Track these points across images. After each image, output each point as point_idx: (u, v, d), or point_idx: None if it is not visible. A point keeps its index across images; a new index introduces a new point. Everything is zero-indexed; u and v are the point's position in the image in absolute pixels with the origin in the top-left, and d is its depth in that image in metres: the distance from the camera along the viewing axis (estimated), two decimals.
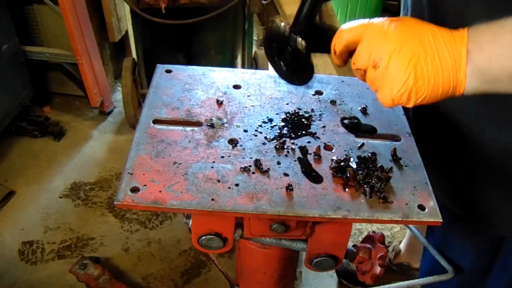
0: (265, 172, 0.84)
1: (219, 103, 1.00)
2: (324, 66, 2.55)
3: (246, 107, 1.00)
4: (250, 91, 1.05)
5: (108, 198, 2.30)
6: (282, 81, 1.08)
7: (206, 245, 0.89)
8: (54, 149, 2.58)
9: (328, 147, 0.91)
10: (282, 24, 0.81)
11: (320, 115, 1.00)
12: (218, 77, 1.09)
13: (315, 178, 0.83)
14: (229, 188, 0.80)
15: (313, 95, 1.06)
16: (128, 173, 0.81)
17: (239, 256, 1.09)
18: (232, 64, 2.53)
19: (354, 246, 1.01)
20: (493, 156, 0.93)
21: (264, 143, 0.91)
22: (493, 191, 0.98)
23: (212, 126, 0.94)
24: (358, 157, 0.88)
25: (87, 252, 2.03)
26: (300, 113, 0.99)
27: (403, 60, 0.64)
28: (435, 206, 0.80)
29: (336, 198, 0.80)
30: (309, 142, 0.92)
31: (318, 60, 2.54)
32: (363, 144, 0.92)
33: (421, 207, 0.80)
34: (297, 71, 0.82)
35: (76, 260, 1.86)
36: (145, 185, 0.79)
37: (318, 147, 0.90)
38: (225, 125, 0.95)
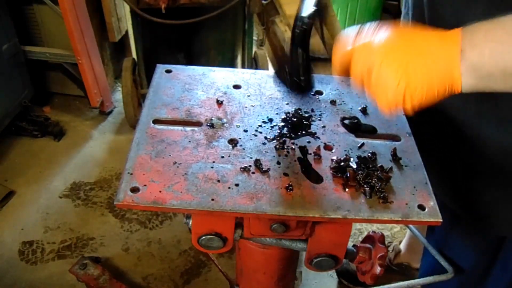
0: (265, 172, 0.84)
1: (219, 103, 1.00)
2: (324, 66, 2.55)
3: (246, 107, 1.00)
4: (250, 91, 1.05)
5: (108, 198, 2.30)
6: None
7: (206, 245, 0.89)
8: (54, 149, 2.58)
9: (328, 147, 0.91)
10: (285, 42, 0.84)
11: (320, 115, 1.00)
12: (218, 77, 1.09)
13: (315, 178, 0.83)
14: (229, 188, 0.80)
15: (313, 95, 1.06)
16: (128, 173, 0.81)
17: (239, 256, 1.09)
18: (232, 64, 2.53)
19: (354, 246, 1.01)
20: (494, 156, 0.93)
21: (264, 143, 0.91)
22: (493, 191, 0.98)
23: (212, 126, 0.94)
24: (358, 157, 0.88)
25: (87, 252, 2.03)
26: (300, 113, 0.99)
27: (392, 65, 0.65)
28: (435, 206, 0.80)
29: (336, 198, 0.80)
30: (309, 142, 0.92)
31: (318, 60, 2.54)
32: (363, 144, 0.92)
33: (421, 207, 0.80)
34: (299, 81, 0.84)
35: (76, 260, 1.86)
36: (145, 185, 0.79)
37: (318, 147, 0.90)
38: (225, 125, 0.95)
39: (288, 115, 0.98)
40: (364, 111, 1.01)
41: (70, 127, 2.74)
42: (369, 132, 0.96)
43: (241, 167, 0.84)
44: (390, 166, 0.87)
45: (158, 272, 1.97)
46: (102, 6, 2.65)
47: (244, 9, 2.37)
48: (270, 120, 0.97)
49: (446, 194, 1.05)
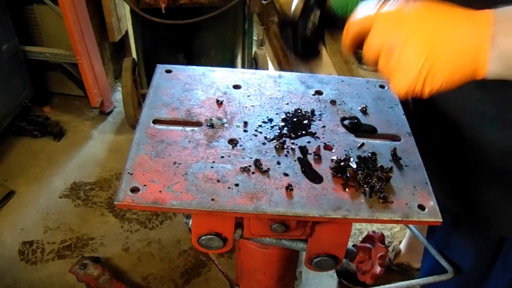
0: (265, 172, 0.84)
1: (219, 103, 1.00)
2: (324, 66, 2.55)
3: (246, 107, 1.00)
4: (250, 91, 1.05)
5: (108, 198, 2.30)
6: (282, 81, 1.09)
7: (206, 245, 0.89)
8: (54, 149, 2.58)
9: (328, 147, 0.91)
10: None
11: (320, 115, 1.00)
12: (218, 77, 1.09)
13: (315, 178, 0.83)
14: (229, 188, 0.80)
15: (313, 95, 1.06)
16: (128, 173, 0.81)
17: (239, 256, 1.09)
18: (232, 64, 2.53)
19: (354, 246, 1.01)
20: (495, 156, 0.92)
21: (264, 143, 0.91)
22: (494, 191, 0.98)
23: (212, 126, 0.94)
24: (358, 157, 0.88)
25: (87, 252, 2.03)
26: (300, 113, 0.99)
27: (417, 46, 0.61)
28: (435, 206, 0.80)
29: (336, 198, 0.80)
30: (309, 142, 0.92)
31: (318, 60, 2.54)
32: (363, 144, 0.92)
33: (421, 207, 0.80)
34: (305, 48, 0.81)
35: (76, 260, 1.86)
36: (145, 185, 0.79)
37: (318, 147, 0.90)
38: (225, 125, 0.95)
39: (288, 115, 0.98)
40: (364, 111, 1.01)
41: (70, 127, 2.74)
42: (369, 132, 0.96)
43: (241, 167, 0.84)
44: (390, 166, 0.87)
45: (158, 272, 1.97)
46: (102, 6, 2.65)
47: (244, 9, 2.37)
48: (270, 120, 0.97)
49: (447, 195, 1.05)
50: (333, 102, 1.04)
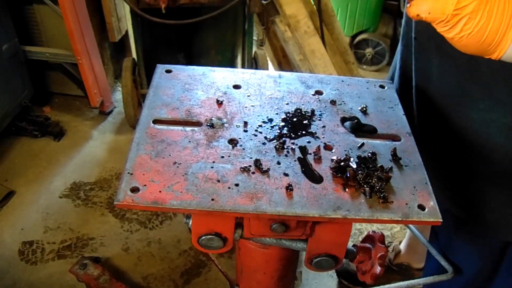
0: (265, 172, 0.84)
1: (219, 103, 1.00)
2: (324, 66, 2.56)
3: (246, 107, 1.00)
4: (250, 91, 1.05)
5: (108, 198, 2.30)
6: (282, 81, 1.09)
7: (206, 245, 0.89)
8: (54, 149, 2.58)
9: (328, 147, 0.91)
10: None
11: (320, 115, 1.00)
12: (218, 77, 1.09)
13: (315, 178, 0.83)
14: (229, 188, 0.80)
15: (313, 95, 1.06)
16: (128, 173, 0.81)
17: (239, 256, 1.09)
18: (232, 64, 2.53)
19: (354, 246, 1.01)
20: (500, 162, 0.92)
21: (264, 143, 0.91)
22: (498, 196, 0.97)
23: (212, 126, 0.94)
24: (358, 157, 0.88)
25: (87, 252, 2.03)
26: (300, 113, 0.99)
27: None
28: (435, 206, 0.80)
29: (336, 198, 0.80)
30: (309, 142, 0.92)
31: (318, 60, 2.54)
32: (363, 144, 0.92)
33: (421, 207, 0.79)
34: None
35: (76, 260, 1.86)
36: (145, 185, 0.79)
37: (318, 147, 0.90)
38: (225, 125, 0.95)
39: (288, 115, 0.98)
40: (364, 111, 1.01)
41: (70, 127, 2.74)
42: (369, 132, 0.96)
43: (241, 167, 0.84)
44: (390, 166, 0.87)
45: (158, 272, 1.97)
46: (102, 6, 2.65)
47: (244, 9, 2.37)
48: (270, 120, 0.97)
49: (451, 199, 1.04)
50: (333, 102, 1.04)
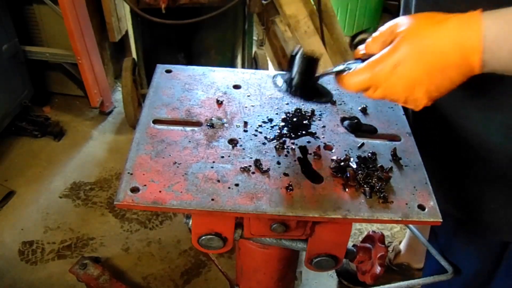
0: (265, 172, 0.84)
1: (219, 103, 1.00)
2: (324, 66, 2.55)
3: (246, 107, 1.00)
4: (250, 91, 1.05)
5: (108, 198, 2.30)
6: None
7: (206, 245, 0.89)
8: (54, 149, 2.58)
9: (328, 147, 0.91)
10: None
11: (320, 115, 1.00)
12: (218, 77, 1.09)
13: (315, 178, 0.83)
14: (229, 188, 0.80)
15: None
16: (128, 173, 0.81)
17: (239, 256, 1.09)
18: (232, 64, 2.53)
19: (354, 246, 1.01)
20: (499, 162, 0.92)
21: (264, 143, 0.91)
22: (497, 197, 0.97)
23: (212, 126, 0.94)
24: (358, 157, 0.88)
25: (87, 252, 2.03)
26: (300, 113, 0.99)
27: (418, 96, 0.69)
28: (435, 206, 0.80)
29: (336, 198, 0.80)
30: (309, 142, 0.92)
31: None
32: (363, 144, 0.92)
33: (421, 207, 0.80)
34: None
35: (76, 260, 1.86)
36: (145, 185, 0.79)
37: (318, 147, 0.90)
38: (225, 125, 0.95)
39: (288, 115, 0.98)
40: (364, 111, 1.01)
41: (70, 127, 2.74)
42: (369, 132, 0.96)
43: (241, 167, 0.84)
44: (390, 166, 0.87)
45: (158, 272, 1.97)
46: (102, 6, 2.65)
47: (244, 9, 2.37)
48: (270, 120, 0.97)
49: (450, 200, 1.04)
50: (333, 102, 1.04)
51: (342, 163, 0.85)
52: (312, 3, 2.56)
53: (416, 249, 1.83)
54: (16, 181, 2.36)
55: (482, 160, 0.95)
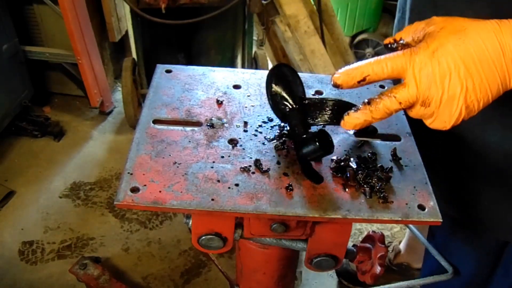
0: (265, 172, 0.84)
1: (219, 103, 1.00)
2: (324, 66, 2.56)
3: (246, 107, 1.00)
4: (250, 91, 1.05)
5: (108, 198, 2.30)
6: None
7: (206, 245, 0.89)
8: (54, 149, 2.58)
9: None
10: None
11: None
12: (218, 77, 1.09)
13: (315, 178, 0.83)
14: (229, 188, 0.80)
15: (313, 95, 1.06)
16: (128, 173, 0.81)
17: (239, 256, 1.09)
18: (232, 64, 2.53)
19: (354, 246, 1.01)
20: (497, 162, 0.92)
21: (264, 143, 0.91)
22: (496, 195, 0.97)
23: (212, 126, 0.94)
24: (358, 157, 0.88)
25: (87, 252, 2.03)
26: None
27: (453, 99, 0.66)
28: (435, 206, 0.80)
29: (336, 198, 0.80)
30: None
31: (318, 60, 2.54)
32: (363, 144, 0.92)
33: (421, 207, 0.79)
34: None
35: (76, 260, 1.86)
36: (145, 185, 0.79)
37: None
38: (225, 125, 0.95)
39: None
40: None
41: (70, 127, 2.74)
42: (369, 132, 0.96)
43: (241, 167, 0.84)
44: (390, 166, 0.87)
45: (158, 272, 1.97)
46: (102, 6, 2.65)
47: (244, 9, 2.37)
48: (270, 120, 0.97)
49: (447, 199, 1.04)
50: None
51: (342, 163, 0.85)
52: (312, 3, 2.56)
53: (416, 249, 1.83)
54: (16, 181, 2.36)
55: (479, 159, 0.95)
